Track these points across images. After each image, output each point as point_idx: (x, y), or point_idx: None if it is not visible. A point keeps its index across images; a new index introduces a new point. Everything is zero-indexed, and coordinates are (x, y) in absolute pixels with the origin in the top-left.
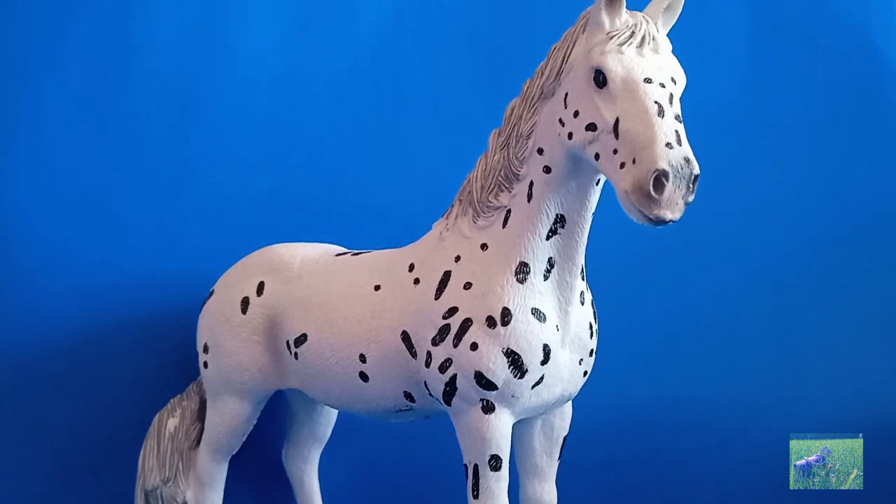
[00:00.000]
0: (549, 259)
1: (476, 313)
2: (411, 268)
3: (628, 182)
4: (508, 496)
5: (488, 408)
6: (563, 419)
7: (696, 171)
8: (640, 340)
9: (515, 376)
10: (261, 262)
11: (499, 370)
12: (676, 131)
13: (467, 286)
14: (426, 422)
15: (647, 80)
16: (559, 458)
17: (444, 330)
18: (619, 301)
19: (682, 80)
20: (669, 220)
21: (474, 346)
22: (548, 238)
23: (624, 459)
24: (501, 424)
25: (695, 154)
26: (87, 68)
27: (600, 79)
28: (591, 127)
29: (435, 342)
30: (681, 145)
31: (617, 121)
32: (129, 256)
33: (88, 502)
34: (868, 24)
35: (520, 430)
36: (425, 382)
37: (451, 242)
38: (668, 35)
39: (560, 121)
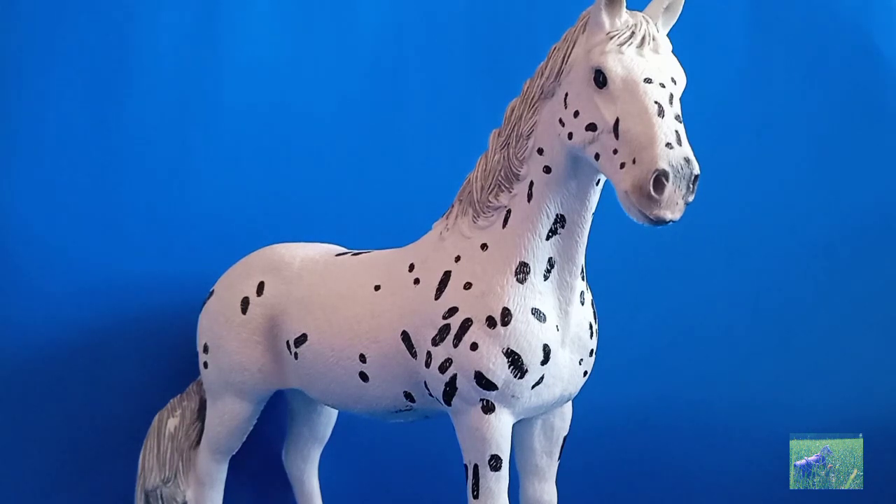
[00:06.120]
0: (549, 259)
1: (476, 313)
2: (411, 268)
3: (628, 182)
4: (508, 496)
5: (488, 408)
6: (563, 419)
7: (697, 171)
8: (640, 340)
9: (515, 376)
10: (261, 262)
11: (499, 370)
12: (676, 131)
13: (467, 286)
14: (426, 422)
15: (647, 80)
16: (559, 458)
17: (444, 330)
18: (619, 301)
19: (682, 80)
20: (669, 221)
21: (474, 347)
22: (548, 238)
23: (624, 459)
24: (501, 424)
25: (695, 154)
26: (86, 68)
27: (600, 79)
28: (591, 127)
29: (435, 342)
30: (681, 145)
31: (617, 121)
32: (129, 256)
33: (88, 502)
34: (868, 24)
35: (520, 430)
36: (425, 382)
37: (451, 242)
38: (668, 35)
39: (560, 121)
